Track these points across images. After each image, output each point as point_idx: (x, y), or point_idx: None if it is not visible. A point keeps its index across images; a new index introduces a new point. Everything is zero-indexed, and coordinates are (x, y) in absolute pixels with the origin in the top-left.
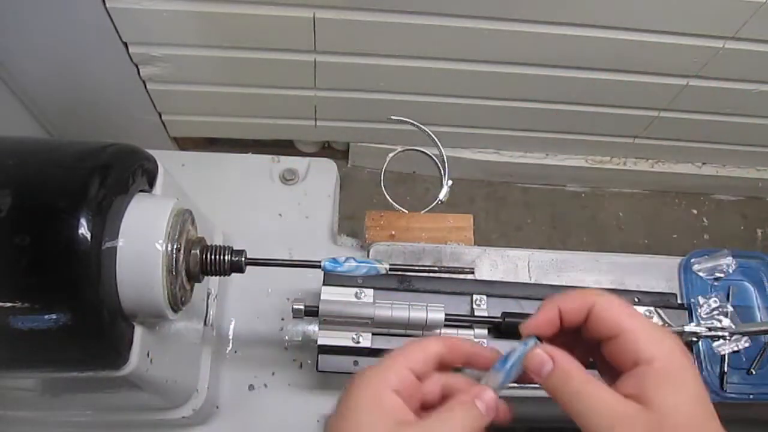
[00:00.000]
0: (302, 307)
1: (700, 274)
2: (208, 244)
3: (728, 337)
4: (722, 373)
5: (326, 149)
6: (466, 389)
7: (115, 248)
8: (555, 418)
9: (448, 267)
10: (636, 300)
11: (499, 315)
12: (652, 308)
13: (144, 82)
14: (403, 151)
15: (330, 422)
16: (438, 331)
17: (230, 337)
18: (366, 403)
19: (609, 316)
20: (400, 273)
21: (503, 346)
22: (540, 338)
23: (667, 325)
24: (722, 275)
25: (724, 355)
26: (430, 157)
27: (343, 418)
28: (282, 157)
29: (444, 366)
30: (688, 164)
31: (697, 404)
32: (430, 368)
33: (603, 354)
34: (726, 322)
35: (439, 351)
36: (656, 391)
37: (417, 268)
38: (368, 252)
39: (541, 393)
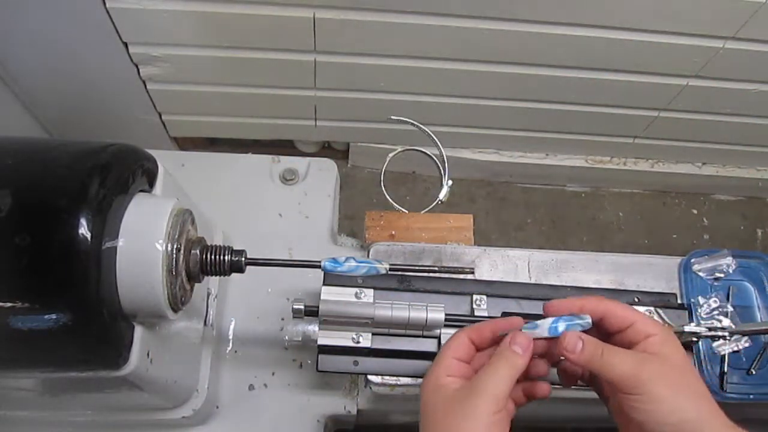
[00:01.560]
0: (302, 307)
1: (700, 274)
2: (208, 244)
3: (728, 337)
4: (722, 373)
5: (326, 149)
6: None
7: (115, 248)
8: (555, 417)
9: (448, 267)
10: (636, 300)
11: (499, 315)
12: (652, 308)
13: (144, 82)
14: (403, 151)
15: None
16: (438, 330)
17: (230, 337)
18: (429, 388)
19: (623, 314)
20: (400, 273)
21: None
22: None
23: (667, 325)
24: (722, 275)
25: (724, 355)
26: (430, 157)
27: (421, 405)
28: (282, 157)
29: (481, 346)
30: (688, 164)
31: (686, 358)
32: (471, 350)
33: (614, 341)
34: (726, 322)
35: (469, 335)
36: (660, 347)
37: (417, 268)
38: (368, 252)
39: None
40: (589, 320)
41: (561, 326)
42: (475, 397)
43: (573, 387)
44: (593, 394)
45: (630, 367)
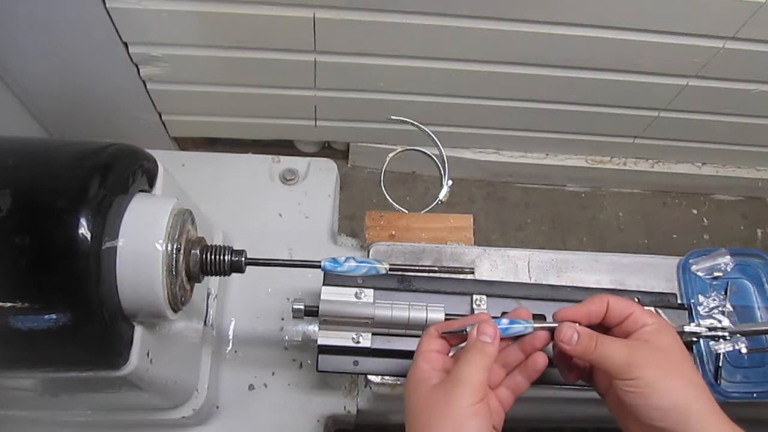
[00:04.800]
0: (302, 307)
1: (699, 273)
2: (208, 244)
3: (728, 337)
4: (717, 368)
5: (326, 149)
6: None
7: (115, 248)
8: (555, 418)
9: (448, 267)
10: (636, 300)
11: (499, 315)
12: (652, 308)
13: (144, 82)
14: (403, 151)
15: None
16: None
17: (230, 337)
18: (411, 383)
19: (621, 306)
20: (400, 273)
21: None
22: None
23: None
24: (720, 274)
25: (719, 354)
26: (430, 157)
27: (405, 400)
28: (282, 157)
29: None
30: (688, 164)
31: (681, 347)
32: (445, 343)
33: (614, 332)
34: (726, 321)
35: (438, 329)
36: (653, 336)
37: (417, 268)
38: (368, 252)
39: (542, 393)
40: (532, 325)
41: (504, 322)
42: (454, 388)
43: (573, 387)
44: (593, 395)
45: (623, 354)
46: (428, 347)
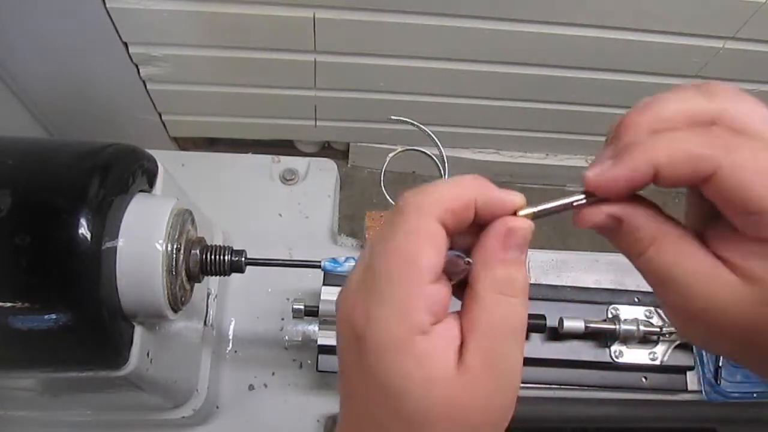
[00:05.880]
0: (302, 307)
1: None
2: (208, 244)
3: None
4: (717, 368)
5: (326, 149)
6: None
7: (115, 248)
8: (555, 417)
9: None
10: (636, 300)
11: None
12: (652, 308)
13: (144, 82)
14: (403, 151)
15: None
16: None
17: (230, 337)
18: (395, 344)
19: (754, 188)
20: None
21: None
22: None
23: (667, 324)
24: None
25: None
26: (430, 157)
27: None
28: (282, 157)
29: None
30: None
31: None
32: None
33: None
34: None
35: (443, 218)
36: None
37: None
38: None
39: (542, 393)
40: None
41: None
42: (505, 399)
43: (573, 387)
44: (593, 395)
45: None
46: (432, 257)
